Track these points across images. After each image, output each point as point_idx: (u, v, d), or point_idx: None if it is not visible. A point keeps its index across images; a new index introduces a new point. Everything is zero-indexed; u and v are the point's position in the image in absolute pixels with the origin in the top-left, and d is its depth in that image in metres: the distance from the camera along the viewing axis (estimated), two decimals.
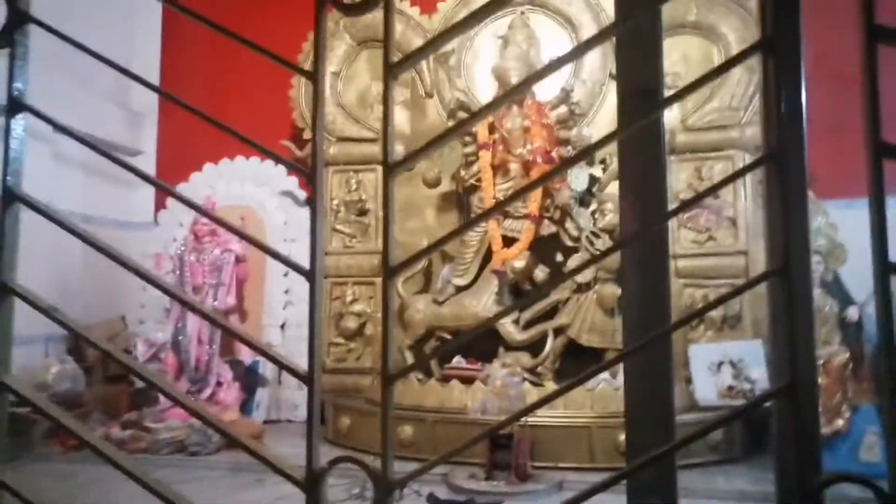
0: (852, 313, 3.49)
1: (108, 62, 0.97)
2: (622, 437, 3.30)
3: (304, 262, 3.84)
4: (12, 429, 3.73)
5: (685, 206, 3.46)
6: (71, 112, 4.44)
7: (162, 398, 4.13)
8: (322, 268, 0.79)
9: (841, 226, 3.67)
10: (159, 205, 5.06)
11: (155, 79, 5.22)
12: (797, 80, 0.76)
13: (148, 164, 5.15)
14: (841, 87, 4.27)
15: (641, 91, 0.84)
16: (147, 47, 5.19)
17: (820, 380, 3.37)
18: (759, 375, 3.74)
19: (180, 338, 4.28)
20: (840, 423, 3.36)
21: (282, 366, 0.88)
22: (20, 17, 0.93)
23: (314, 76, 0.79)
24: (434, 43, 0.90)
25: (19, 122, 0.96)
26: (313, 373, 0.78)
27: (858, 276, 3.71)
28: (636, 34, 0.84)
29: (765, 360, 3.74)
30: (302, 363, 3.60)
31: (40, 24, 0.92)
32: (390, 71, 0.77)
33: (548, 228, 3.88)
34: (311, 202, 0.81)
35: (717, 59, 4.10)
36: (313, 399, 0.77)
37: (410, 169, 3.95)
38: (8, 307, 0.97)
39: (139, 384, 4.47)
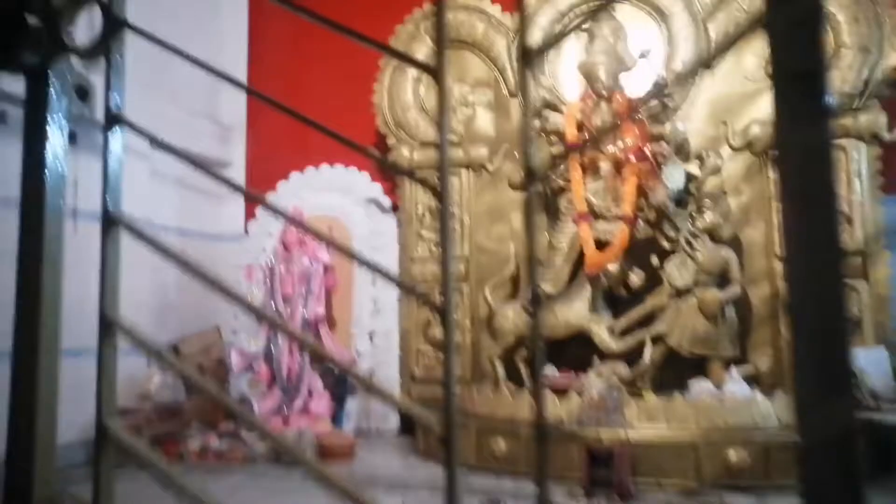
0: None
1: (201, 63, 0.90)
2: (730, 452, 3.08)
3: (391, 268, 3.78)
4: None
5: None
6: (164, 127, 4.58)
7: (257, 407, 4.21)
8: (452, 300, 0.68)
9: None
10: (249, 216, 5.16)
11: (243, 94, 5.33)
12: None
13: (237, 176, 5.27)
14: None
15: (799, 74, 0.67)
16: (234, 60, 5.30)
17: None
18: (884, 386, 3.42)
19: (272, 347, 4.34)
20: None
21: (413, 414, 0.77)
22: (116, 25, 0.87)
23: (437, 72, 0.69)
24: (567, 32, 0.78)
25: (117, 139, 0.90)
26: (452, 432, 0.68)
27: None
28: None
29: (891, 369, 3.42)
30: (390, 372, 3.55)
31: (139, 30, 0.86)
32: (529, 57, 0.66)
33: (643, 230, 3.67)
34: (442, 209, 0.70)
35: (826, 42, 3.76)
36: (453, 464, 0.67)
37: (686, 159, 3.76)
38: (113, 344, 0.92)
39: (234, 393, 4.57)
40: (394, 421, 4.54)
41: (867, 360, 3.45)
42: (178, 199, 4.79)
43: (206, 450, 3.78)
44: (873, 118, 3.63)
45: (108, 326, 0.88)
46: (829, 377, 0.73)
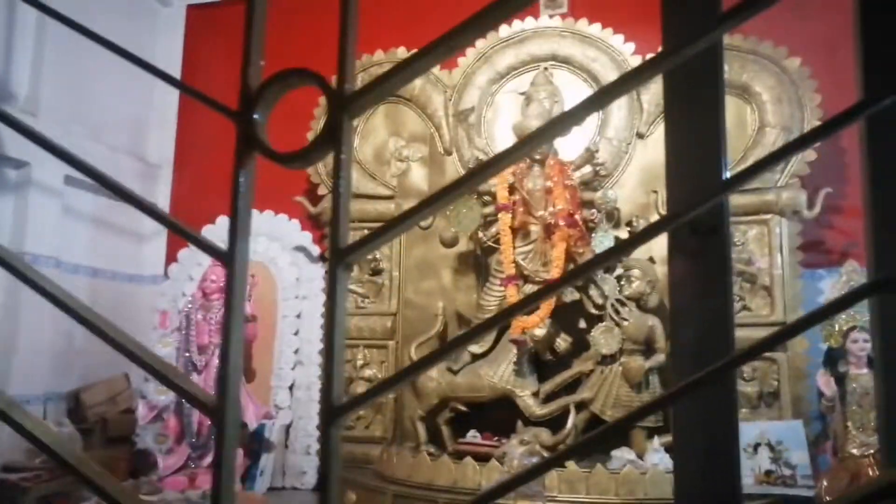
0: None
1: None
2: None
3: (315, 321, 3.63)
4: (2, 496, 3.54)
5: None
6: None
7: (161, 464, 3.94)
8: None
9: None
10: (170, 258, 4.94)
11: (172, 130, 5.17)
12: None
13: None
14: None
15: (698, 229, 0.63)
16: (165, 98, 5.14)
17: (870, 471, 3.07)
18: (800, 460, 3.44)
19: (183, 400, 4.09)
20: None
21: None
22: None
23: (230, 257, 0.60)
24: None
25: None
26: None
27: None
28: (695, 140, 0.64)
29: (807, 442, 3.45)
30: (310, 427, 3.37)
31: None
32: (340, 258, 0.58)
33: (571, 295, 3.65)
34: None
35: (751, 119, 3.90)
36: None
37: (617, 209, 3.78)
38: None
39: (140, 445, 4.28)
40: (311, 477, 4.34)
41: (784, 432, 3.47)
42: (92, 238, 4.54)
43: None
44: (794, 195, 3.74)
45: None
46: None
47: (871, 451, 3.12)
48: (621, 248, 0.58)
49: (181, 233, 0.65)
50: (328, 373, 0.55)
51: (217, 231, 4.82)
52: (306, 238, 4.72)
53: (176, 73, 5.18)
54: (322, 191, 4.47)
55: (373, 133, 4.49)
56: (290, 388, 4.47)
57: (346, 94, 0.55)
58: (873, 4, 0.59)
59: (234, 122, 0.58)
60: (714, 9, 0.63)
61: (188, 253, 4.83)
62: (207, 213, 4.84)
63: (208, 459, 4.01)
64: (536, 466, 0.62)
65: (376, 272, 4.29)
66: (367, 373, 4.19)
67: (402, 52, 4.33)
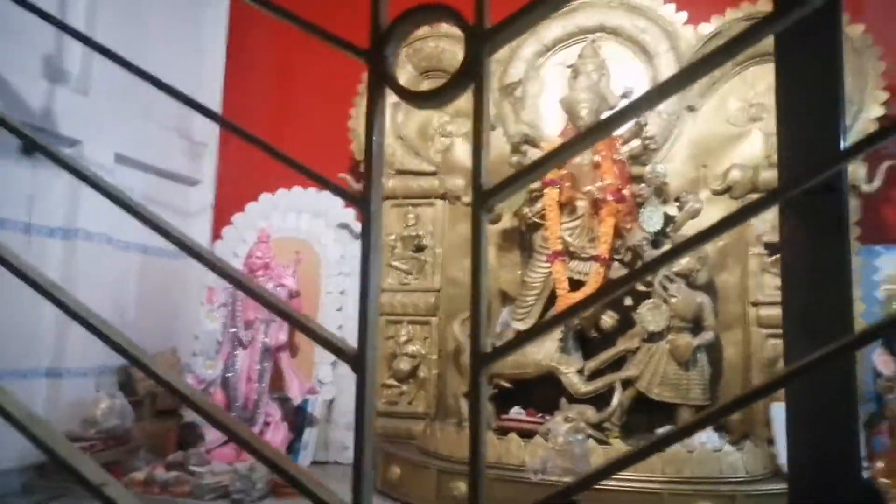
0: None
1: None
2: None
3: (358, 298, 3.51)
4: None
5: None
6: (133, 141, 4.47)
7: (208, 437, 4.01)
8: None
9: None
10: (216, 236, 5.00)
11: (217, 106, 5.21)
12: None
13: (206, 194, 5.12)
14: None
15: (818, 187, 0.59)
16: (211, 76, 5.18)
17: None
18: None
19: (229, 374, 4.16)
20: None
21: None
22: None
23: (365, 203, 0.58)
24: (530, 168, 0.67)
25: None
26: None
27: None
28: (810, 106, 0.60)
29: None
30: (351, 404, 3.36)
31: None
32: (482, 201, 0.56)
33: (618, 271, 3.59)
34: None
35: None
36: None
37: (665, 184, 3.72)
38: None
39: (188, 418, 4.38)
40: (353, 452, 4.37)
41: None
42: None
43: (152, 480, 3.57)
44: (853, 169, 3.60)
45: None
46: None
47: None
48: (729, 222, 0.54)
49: (316, 178, 0.65)
50: (475, 321, 0.53)
51: (260, 208, 4.87)
52: (349, 215, 4.73)
53: (222, 44, 5.23)
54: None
55: (417, 109, 4.45)
56: (333, 364, 4.51)
57: (485, 29, 0.52)
58: None
59: (365, 61, 0.56)
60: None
61: (233, 230, 4.89)
62: (251, 191, 4.90)
63: (255, 431, 4.08)
64: (643, 448, 0.60)
65: (419, 249, 4.28)
66: (411, 348, 4.20)
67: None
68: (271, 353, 4.16)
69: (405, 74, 4.47)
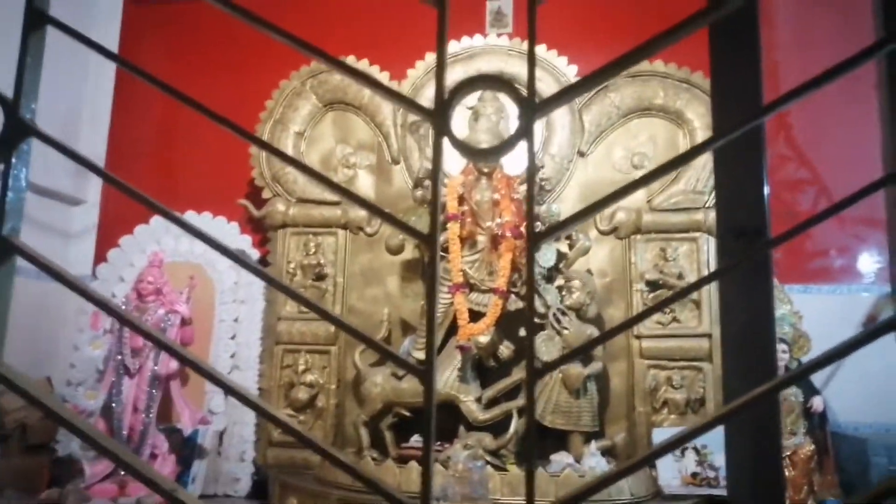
0: (817, 403, 3.50)
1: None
2: None
3: (253, 326, 3.61)
4: None
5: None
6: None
7: (88, 471, 3.78)
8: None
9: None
10: (99, 258, 4.75)
11: (105, 126, 4.99)
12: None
13: (91, 215, 4.86)
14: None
15: (743, 230, 0.74)
16: (98, 92, 4.96)
17: (787, 472, 3.33)
18: (723, 462, 3.68)
19: (113, 404, 3.95)
20: None
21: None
22: (21, 131, 0.79)
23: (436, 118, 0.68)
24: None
25: (9, 270, 0.81)
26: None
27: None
28: (738, 169, 0.75)
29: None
30: (245, 432, 3.35)
31: (50, 140, 0.78)
32: (535, 241, 0.66)
33: (515, 304, 3.78)
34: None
35: (682, 144, 4.17)
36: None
37: (557, 239, 3.88)
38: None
39: (61, 453, 4.09)
40: (245, 484, 4.26)
41: (709, 437, 3.70)
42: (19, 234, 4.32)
43: None
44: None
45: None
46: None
47: (788, 453, 3.38)
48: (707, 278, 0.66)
49: (385, 217, 0.72)
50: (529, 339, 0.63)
51: (150, 231, 4.69)
52: (246, 241, 4.65)
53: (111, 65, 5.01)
54: (266, 194, 4.43)
55: (320, 139, 4.50)
56: (226, 393, 4.38)
57: (535, 102, 0.63)
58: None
59: (431, 120, 0.65)
60: (757, 99, 0.74)
61: (119, 252, 4.66)
62: (141, 213, 4.70)
63: None
64: (612, 473, 0.70)
65: (320, 277, 4.29)
66: (309, 378, 4.17)
67: (351, 60, 4.36)
68: (161, 381, 3.99)
69: (308, 105, 4.51)
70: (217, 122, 0.79)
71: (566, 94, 0.69)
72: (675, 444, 0.66)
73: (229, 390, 0.69)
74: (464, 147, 0.66)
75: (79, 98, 4.82)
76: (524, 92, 0.69)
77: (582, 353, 3.52)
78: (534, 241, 0.66)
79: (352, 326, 0.69)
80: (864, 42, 0.63)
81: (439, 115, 0.65)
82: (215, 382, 0.70)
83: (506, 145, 0.66)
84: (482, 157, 0.70)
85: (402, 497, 0.62)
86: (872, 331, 0.61)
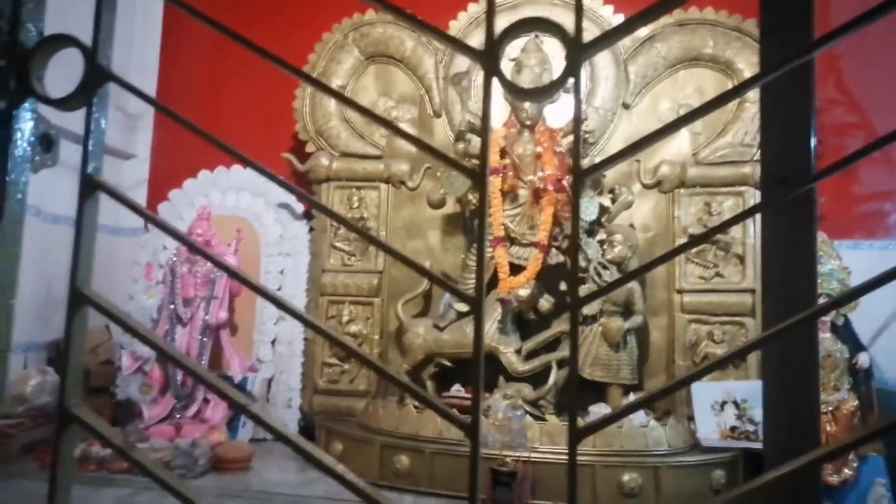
0: (863, 359, 3.45)
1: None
2: (625, 477, 3.22)
3: (299, 278, 3.71)
4: None
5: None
6: (63, 112, 4.29)
7: (147, 414, 3.98)
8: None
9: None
10: (151, 209, 4.89)
11: (153, 81, 5.08)
12: None
13: (141, 169, 5.00)
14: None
15: (787, 175, 0.74)
16: (145, 48, 5.05)
17: (828, 427, 3.31)
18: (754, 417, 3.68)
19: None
20: (848, 472, 3.31)
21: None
22: (99, 76, 0.83)
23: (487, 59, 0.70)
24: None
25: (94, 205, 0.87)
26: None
27: (868, 321, 3.68)
28: (784, 111, 0.75)
29: None
30: (291, 382, 3.47)
31: (125, 84, 0.82)
32: (580, 176, 0.67)
33: (555, 257, 3.79)
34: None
35: None
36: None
37: (603, 176, 3.95)
38: (83, 320, 0.85)
39: (121, 396, 4.30)
40: (291, 430, 4.42)
41: (749, 391, 3.70)
42: (73, 188, 4.47)
43: (87, 457, 3.52)
44: None
45: (79, 301, 0.82)
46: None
47: (830, 409, 3.37)
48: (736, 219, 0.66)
49: (436, 154, 0.75)
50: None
51: (198, 185, 4.80)
52: (289, 196, 4.73)
53: (158, 13, 5.09)
54: (310, 148, 4.48)
55: (362, 92, 4.51)
56: (273, 342, 4.53)
57: (583, 42, 0.65)
58: None
59: (480, 60, 0.67)
60: (807, 33, 0.73)
61: (169, 206, 4.80)
62: (189, 167, 4.81)
63: (193, 409, 4.07)
64: (630, 404, 0.73)
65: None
66: (353, 328, 4.28)
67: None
68: (212, 330, 4.14)
69: (350, 58, 4.51)
70: (270, 59, 0.82)
71: (612, 35, 0.70)
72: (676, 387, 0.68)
73: (296, 315, 0.73)
74: (512, 87, 0.67)
75: (127, 50, 4.90)
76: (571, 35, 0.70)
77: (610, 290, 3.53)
78: (579, 177, 0.67)
79: (418, 263, 0.73)
80: None
81: (489, 55, 0.67)
82: (279, 305, 0.75)
83: (553, 86, 0.67)
84: (530, 97, 0.72)
85: (459, 418, 0.66)
86: None
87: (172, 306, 4.17)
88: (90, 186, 0.80)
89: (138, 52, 5.02)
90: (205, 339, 4.14)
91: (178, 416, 4.02)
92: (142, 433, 3.72)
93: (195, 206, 4.56)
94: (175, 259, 4.24)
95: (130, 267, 4.64)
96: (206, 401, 4.10)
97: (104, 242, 4.68)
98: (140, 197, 4.98)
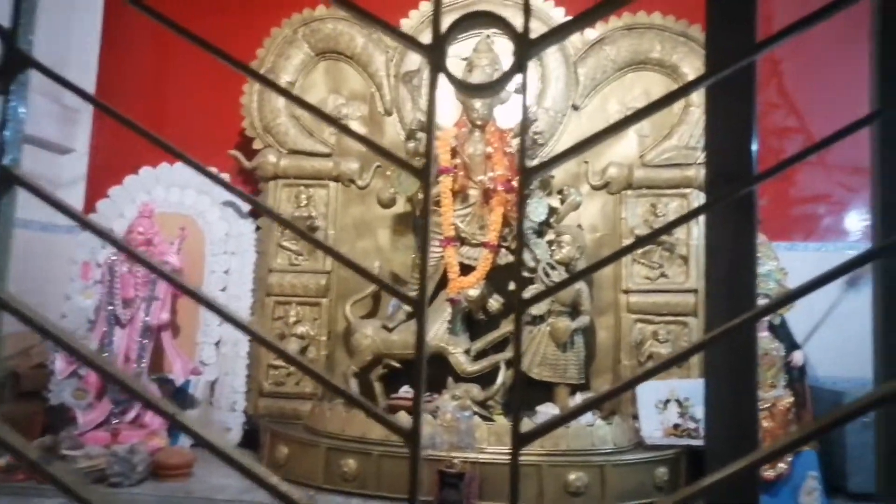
0: (797, 357, 3.56)
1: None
2: (571, 476, 3.24)
3: (244, 277, 3.63)
4: None
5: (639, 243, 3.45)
6: None
7: (81, 419, 3.83)
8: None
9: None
10: (88, 208, 4.71)
11: (92, 75, 4.90)
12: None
13: (80, 164, 4.81)
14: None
15: (731, 175, 0.74)
16: (85, 38, 4.86)
17: (765, 423, 3.41)
18: (703, 415, 3.76)
19: (105, 354, 3.97)
20: (783, 466, 3.41)
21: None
22: (19, 62, 0.77)
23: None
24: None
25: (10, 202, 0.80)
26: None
27: (803, 320, 3.81)
28: (728, 112, 0.75)
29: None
30: (236, 383, 3.39)
31: (50, 73, 0.76)
32: (526, 175, 0.65)
33: (505, 258, 3.80)
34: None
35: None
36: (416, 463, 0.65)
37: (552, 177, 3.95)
38: None
39: (54, 401, 4.13)
40: (235, 434, 4.33)
41: (691, 389, 3.78)
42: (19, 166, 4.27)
43: (13, 467, 3.34)
44: None
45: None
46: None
47: (767, 405, 3.47)
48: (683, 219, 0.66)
49: (382, 152, 0.72)
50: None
51: (140, 181, 4.64)
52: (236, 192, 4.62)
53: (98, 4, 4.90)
54: (258, 145, 4.39)
55: (312, 89, 4.44)
56: (217, 344, 4.42)
57: (530, 38, 0.63)
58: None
59: (426, 55, 0.65)
60: (751, 36, 0.74)
61: (109, 203, 4.63)
62: (130, 163, 4.65)
63: (132, 414, 3.94)
64: (575, 408, 0.73)
65: (311, 230, 4.27)
66: (300, 329, 4.20)
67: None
68: (153, 332, 4.01)
69: (300, 54, 4.44)
70: (215, 54, 0.78)
71: (560, 32, 0.68)
72: (622, 389, 0.68)
73: (236, 323, 0.70)
74: (458, 82, 0.66)
75: (66, 44, 4.71)
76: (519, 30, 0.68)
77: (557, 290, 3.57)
78: (526, 175, 0.66)
79: (358, 264, 0.70)
80: None
81: (436, 50, 0.65)
82: (217, 312, 0.71)
83: (500, 80, 0.66)
84: (476, 92, 0.70)
85: (399, 425, 0.64)
86: (846, 264, 0.63)
87: (111, 307, 4.02)
88: (6, 180, 0.75)
89: (78, 42, 4.82)
90: (145, 342, 4.01)
91: (115, 421, 3.89)
92: (76, 440, 3.57)
93: (137, 204, 4.41)
94: (114, 258, 4.09)
95: (67, 266, 4.46)
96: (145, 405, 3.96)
97: (39, 240, 4.50)
98: (78, 193, 4.78)
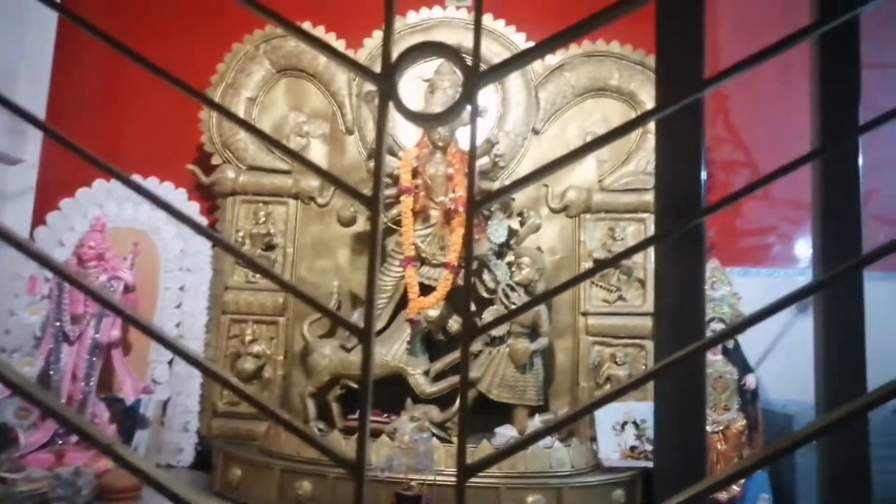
0: (750, 381, 3.63)
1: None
2: (529, 499, 3.24)
3: (200, 295, 3.57)
4: None
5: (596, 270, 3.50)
6: None
7: (24, 441, 3.68)
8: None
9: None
10: (38, 221, 4.57)
11: (45, 85, 4.78)
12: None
13: (29, 175, 4.67)
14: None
15: (680, 208, 0.76)
16: (38, 50, 4.74)
17: (719, 446, 3.46)
18: None
19: (51, 372, 3.84)
20: (735, 489, 3.46)
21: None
22: None
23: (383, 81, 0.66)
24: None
25: None
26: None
27: (755, 344, 3.89)
28: (677, 145, 0.77)
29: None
30: (189, 402, 3.31)
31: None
32: (474, 207, 0.65)
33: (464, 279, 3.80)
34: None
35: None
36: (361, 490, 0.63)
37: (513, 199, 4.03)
38: None
39: None
40: (188, 455, 4.22)
41: (648, 412, 3.82)
42: None
43: None
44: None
45: None
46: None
47: (721, 428, 3.52)
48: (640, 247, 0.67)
49: (329, 178, 0.71)
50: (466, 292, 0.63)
51: (92, 194, 4.53)
52: (193, 208, 4.54)
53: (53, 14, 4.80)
54: (216, 160, 4.33)
55: (273, 106, 4.41)
56: (170, 362, 4.31)
57: (480, 70, 0.63)
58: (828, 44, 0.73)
59: (377, 84, 0.64)
60: (699, 73, 0.76)
61: (59, 216, 4.50)
62: (83, 175, 4.54)
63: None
64: (537, 432, 0.72)
65: (269, 247, 4.22)
66: (256, 348, 4.13)
67: (307, 26, 4.27)
68: (102, 349, 3.90)
69: (261, 70, 4.41)
70: (166, 80, 0.77)
71: (509, 64, 0.69)
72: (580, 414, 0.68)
73: (183, 355, 0.68)
74: (407, 111, 0.65)
75: (18, 54, 4.59)
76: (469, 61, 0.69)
77: (513, 316, 3.59)
78: (475, 206, 0.66)
79: (303, 292, 0.69)
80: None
81: (386, 79, 0.65)
82: (168, 347, 0.69)
83: (449, 112, 0.66)
84: (425, 122, 0.70)
85: (342, 456, 0.62)
86: (793, 295, 0.64)
87: (59, 323, 3.90)
88: None
89: (30, 53, 4.70)
90: (94, 359, 3.88)
91: (60, 441, 3.75)
92: (17, 462, 3.43)
93: (89, 217, 4.30)
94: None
95: (12, 281, 4.31)
96: (93, 424, 3.84)
97: None
98: (27, 205, 4.63)
